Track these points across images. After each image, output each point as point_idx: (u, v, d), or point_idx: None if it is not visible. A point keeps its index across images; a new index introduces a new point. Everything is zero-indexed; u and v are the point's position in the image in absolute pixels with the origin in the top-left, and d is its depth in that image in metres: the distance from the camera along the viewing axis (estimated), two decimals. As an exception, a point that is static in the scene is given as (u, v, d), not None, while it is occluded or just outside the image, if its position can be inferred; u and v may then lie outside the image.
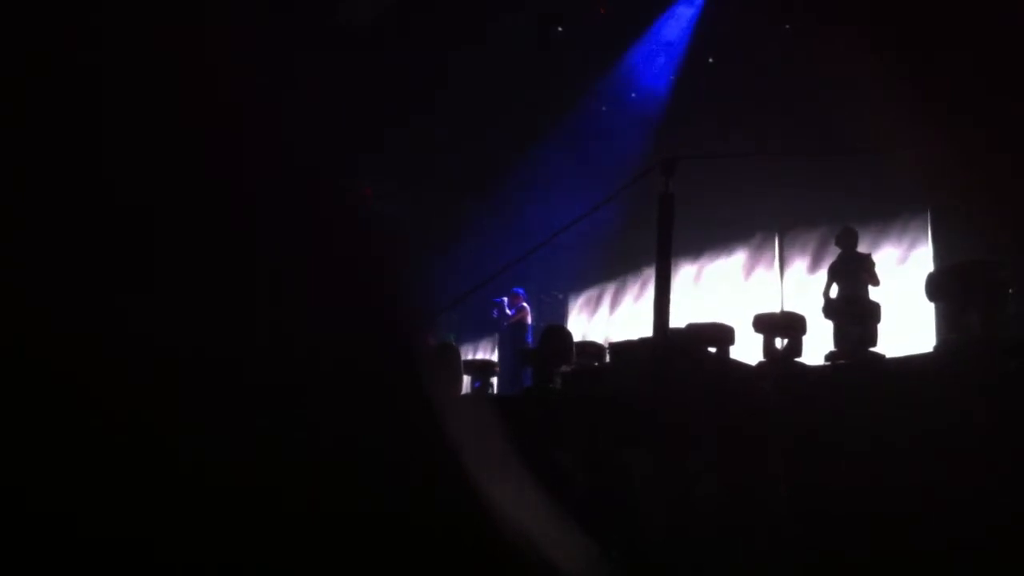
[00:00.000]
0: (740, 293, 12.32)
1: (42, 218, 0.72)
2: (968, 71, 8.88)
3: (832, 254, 10.23)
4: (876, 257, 10.05)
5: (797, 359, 6.97)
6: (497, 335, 13.24)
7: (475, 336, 15.32)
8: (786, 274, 12.09)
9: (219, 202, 0.77)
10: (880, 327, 7.82)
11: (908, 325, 9.88)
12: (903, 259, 10.77)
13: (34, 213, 0.73)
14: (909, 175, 10.38)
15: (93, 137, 0.71)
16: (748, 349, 7.71)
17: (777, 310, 11.71)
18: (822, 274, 10.41)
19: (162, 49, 0.72)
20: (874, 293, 8.95)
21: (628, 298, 14.11)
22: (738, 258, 12.74)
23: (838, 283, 9.34)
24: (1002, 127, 8.64)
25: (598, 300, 14.59)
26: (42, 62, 0.68)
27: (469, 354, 15.22)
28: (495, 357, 13.11)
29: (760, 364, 6.96)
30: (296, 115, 0.90)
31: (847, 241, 9.45)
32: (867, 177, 10.54)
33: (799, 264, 12.02)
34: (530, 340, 11.79)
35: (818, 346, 8.51)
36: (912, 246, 10.86)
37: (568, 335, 8.11)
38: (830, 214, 11.31)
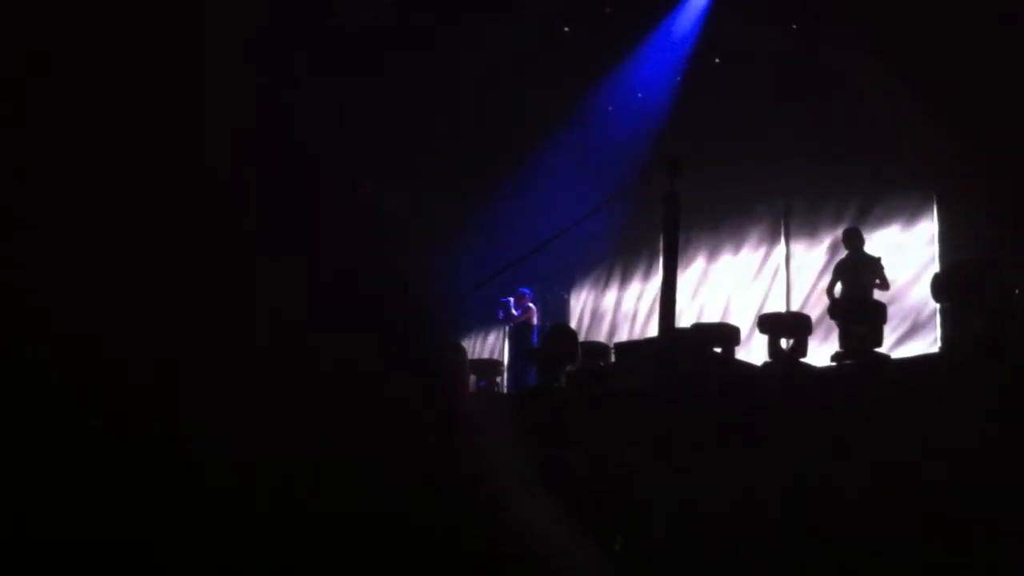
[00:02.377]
0: (746, 288, 12.34)
1: (42, 217, 0.72)
2: (973, 69, 8.87)
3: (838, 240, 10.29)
4: (880, 244, 10.11)
5: (802, 359, 6.97)
6: (504, 332, 13.28)
7: (483, 334, 15.37)
8: (792, 263, 12.10)
9: (220, 201, 0.77)
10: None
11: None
12: (906, 247, 10.75)
13: (34, 212, 0.73)
14: (916, 173, 10.38)
15: (93, 135, 0.71)
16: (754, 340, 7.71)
17: (783, 293, 11.78)
18: (830, 257, 10.46)
19: (162, 48, 0.72)
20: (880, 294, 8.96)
21: (637, 277, 14.13)
22: (744, 246, 12.75)
23: (843, 282, 9.36)
24: (1007, 125, 8.63)
25: (607, 280, 14.60)
26: (42, 62, 0.68)
27: (477, 353, 15.28)
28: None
29: (766, 364, 6.96)
30: (297, 114, 0.90)
31: (853, 242, 9.48)
32: (873, 168, 10.56)
33: (805, 252, 12.01)
34: (536, 340, 11.81)
35: (825, 347, 8.52)
36: (918, 235, 10.83)
37: (573, 335, 8.11)
38: (837, 200, 11.36)
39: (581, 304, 14.92)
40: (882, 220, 10.97)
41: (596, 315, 14.60)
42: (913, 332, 10.22)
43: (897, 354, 9.22)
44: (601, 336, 13.84)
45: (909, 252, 10.62)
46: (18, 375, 0.71)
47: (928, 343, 9.95)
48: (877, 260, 9.31)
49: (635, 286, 14.11)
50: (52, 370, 0.73)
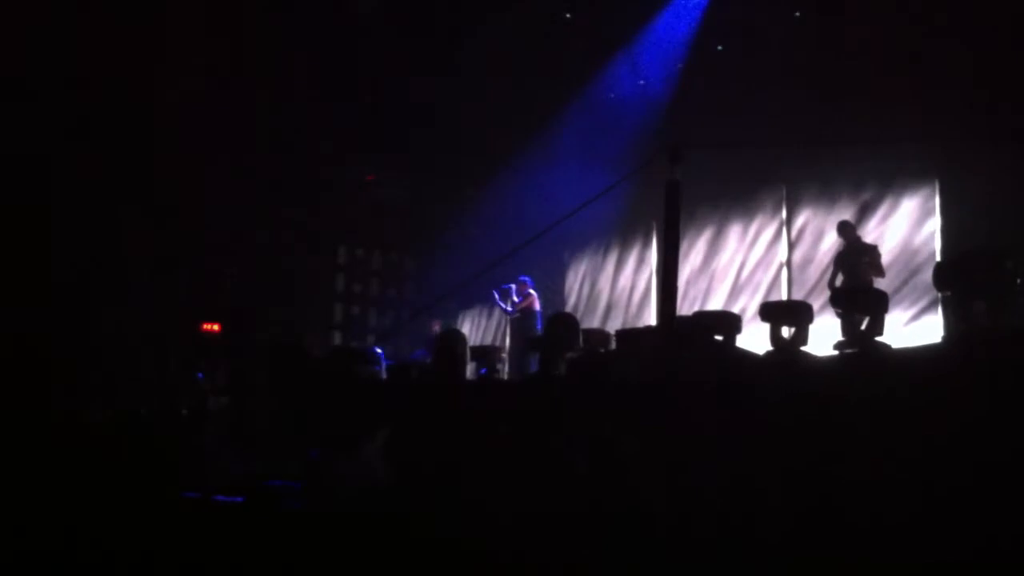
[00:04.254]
0: (747, 275, 12.37)
1: (42, 221, 0.72)
2: (983, 60, 8.86)
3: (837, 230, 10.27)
4: (886, 230, 10.13)
5: (804, 348, 6.96)
6: (506, 318, 13.31)
7: (485, 320, 15.45)
8: (795, 253, 12.10)
9: (220, 206, 0.77)
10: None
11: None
12: (911, 237, 10.74)
13: (34, 215, 0.72)
14: (918, 160, 10.37)
15: (94, 146, 0.70)
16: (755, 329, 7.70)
17: (784, 281, 11.80)
18: (833, 245, 10.46)
19: (163, 54, 0.71)
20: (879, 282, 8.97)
21: (633, 260, 14.16)
22: (745, 235, 12.75)
23: (844, 272, 9.42)
24: (1014, 117, 8.62)
25: (603, 263, 14.62)
26: (42, 66, 0.67)
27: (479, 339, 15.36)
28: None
29: (767, 353, 6.95)
30: (297, 115, 0.89)
31: (847, 233, 9.59)
32: (878, 156, 10.54)
33: (808, 239, 12.02)
34: (539, 327, 11.85)
35: (826, 336, 8.54)
36: (920, 222, 10.80)
37: (574, 322, 8.09)
38: (841, 188, 11.35)
39: (578, 288, 14.98)
40: (887, 207, 10.97)
41: (592, 298, 14.66)
42: (928, 310, 10.21)
43: (911, 329, 9.28)
44: (596, 318, 13.93)
45: (918, 236, 10.62)
46: (17, 380, 0.71)
47: (939, 323, 9.95)
48: (874, 248, 9.41)
49: (631, 269, 14.16)
50: (52, 372, 0.72)
